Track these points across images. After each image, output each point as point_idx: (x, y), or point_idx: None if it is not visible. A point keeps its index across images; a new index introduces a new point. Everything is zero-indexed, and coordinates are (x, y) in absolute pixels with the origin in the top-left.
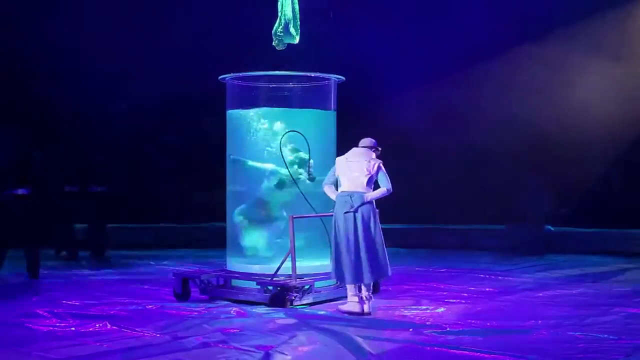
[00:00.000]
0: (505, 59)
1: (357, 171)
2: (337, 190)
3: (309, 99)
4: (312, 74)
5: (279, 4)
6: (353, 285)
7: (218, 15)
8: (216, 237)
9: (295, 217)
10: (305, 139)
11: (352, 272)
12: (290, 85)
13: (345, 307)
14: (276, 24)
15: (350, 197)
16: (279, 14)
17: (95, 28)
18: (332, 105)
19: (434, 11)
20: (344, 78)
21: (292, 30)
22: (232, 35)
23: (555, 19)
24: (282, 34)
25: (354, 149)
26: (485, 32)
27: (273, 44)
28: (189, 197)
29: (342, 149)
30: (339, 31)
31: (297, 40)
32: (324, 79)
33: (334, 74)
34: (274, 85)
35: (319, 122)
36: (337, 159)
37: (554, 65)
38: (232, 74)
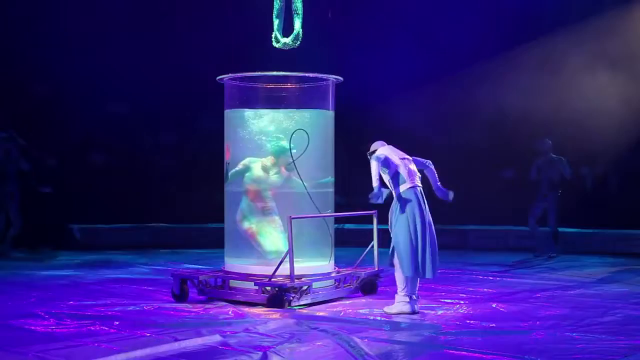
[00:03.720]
0: (504, 59)
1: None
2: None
3: (308, 99)
4: (311, 75)
5: (295, 3)
6: (406, 286)
7: (217, 15)
8: (214, 238)
9: (293, 218)
10: (308, 135)
11: (431, 266)
12: (289, 85)
13: (395, 309)
14: (298, 25)
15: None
16: (298, 14)
17: (95, 28)
18: (331, 105)
19: (433, 11)
20: (342, 78)
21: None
22: (231, 35)
23: (555, 18)
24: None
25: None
26: (484, 32)
27: (285, 42)
28: (187, 197)
29: (341, 149)
30: (337, 31)
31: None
32: (322, 79)
33: (332, 74)
34: (272, 85)
35: (317, 122)
36: (389, 155)
37: (552, 66)
38: (229, 75)
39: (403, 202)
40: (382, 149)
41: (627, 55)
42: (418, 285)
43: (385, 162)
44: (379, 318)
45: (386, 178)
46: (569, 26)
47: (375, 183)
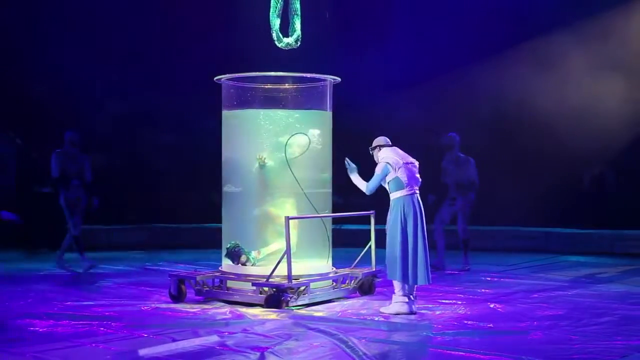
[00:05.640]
0: (502, 58)
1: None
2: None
3: (305, 100)
4: (308, 75)
5: (294, 4)
6: (403, 286)
7: (217, 15)
8: (213, 238)
9: (290, 218)
10: (309, 138)
11: (424, 272)
12: (287, 86)
13: (392, 309)
14: (299, 26)
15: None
16: (297, 14)
17: (95, 28)
18: (328, 106)
19: (432, 9)
20: (339, 79)
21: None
22: (231, 36)
23: (555, 17)
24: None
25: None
26: (483, 31)
27: (288, 42)
28: (187, 197)
29: (340, 149)
30: (336, 31)
31: None
32: (320, 79)
33: (330, 74)
34: (270, 86)
35: (315, 123)
36: (394, 159)
37: (550, 65)
38: (227, 75)
39: (398, 207)
40: (387, 152)
41: (628, 54)
42: (416, 286)
43: (388, 168)
44: (376, 318)
45: (385, 180)
46: (570, 25)
47: (372, 185)
